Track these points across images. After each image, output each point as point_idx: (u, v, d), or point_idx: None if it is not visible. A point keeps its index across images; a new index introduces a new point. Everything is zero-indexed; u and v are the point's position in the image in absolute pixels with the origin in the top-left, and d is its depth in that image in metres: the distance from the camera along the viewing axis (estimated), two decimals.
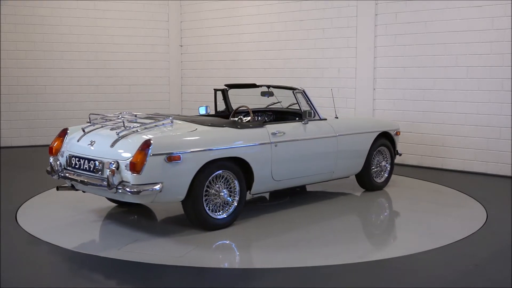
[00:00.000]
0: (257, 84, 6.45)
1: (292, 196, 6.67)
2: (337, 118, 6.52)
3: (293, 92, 6.05)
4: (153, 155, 4.66)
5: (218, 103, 6.99)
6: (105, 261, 4.44)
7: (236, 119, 6.50)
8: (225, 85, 6.94)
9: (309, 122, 6.04)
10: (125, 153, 4.77)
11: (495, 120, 7.97)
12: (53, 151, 5.48)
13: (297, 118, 6.24)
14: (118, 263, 4.38)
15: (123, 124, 5.12)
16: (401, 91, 8.85)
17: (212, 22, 11.30)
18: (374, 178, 6.86)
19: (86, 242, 5.00)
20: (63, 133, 5.57)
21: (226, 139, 5.24)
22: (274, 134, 5.59)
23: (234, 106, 6.91)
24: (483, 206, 6.20)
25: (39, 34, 10.70)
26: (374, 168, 6.82)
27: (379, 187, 6.94)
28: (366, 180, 6.78)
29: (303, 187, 7.06)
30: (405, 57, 8.75)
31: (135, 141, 4.79)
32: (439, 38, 8.37)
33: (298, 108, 6.10)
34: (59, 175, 5.29)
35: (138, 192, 4.63)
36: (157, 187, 4.69)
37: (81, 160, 5.13)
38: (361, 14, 9.14)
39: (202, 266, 4.36)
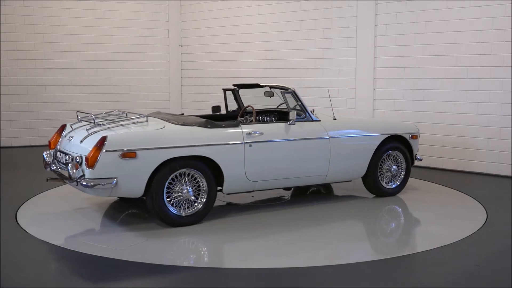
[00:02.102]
0: (260, 84, 6.44)
1: (294, 197, 6.67)
2: (335, 119, 6.33)
3: (281, 92, 5.99)
4: (107, 151, 4.86)
5: (232, 103, 6.98)
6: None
7: (242, 118, 6.53)
8: (234, 85, 6.94)
9: (298, 123, 5.89)
10: (87, 148, 4.98)
11: (495, 120, 7.97)
12: (51, 145, 5.75)
13: None
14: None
15: (94, 121, 5.38)
16: (401, 91, 8.85)
17: (212, 22, 11.30)
18: (384, 184, 6.56)
19: (83, 239, 5.01)
20: (62, 128, 5.83)
21: (189, 137, 5.26)
22: (249, 134, 5.56)
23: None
24: (483, 206, 6.20)
25: (39, 34, 10.70)
26: (384, 173, 6.53)
27: (390, 193, 6.60)
28: (372, 185, 6.49)
29: (329, 189, 7.01)
30: (405, 57, 8.75)
31: (97, 138, 5.00)
32: (439, 38, 8.37)
33: (286, 107, 6.00)
34: (50, 167, 5.56)
35: (92, 186, 4.84)
36: (112, 182, 4.87)
37: (61, 154, 5.43)
38: (361, 14, 9.14)
39: (135, 260, 4.37)
